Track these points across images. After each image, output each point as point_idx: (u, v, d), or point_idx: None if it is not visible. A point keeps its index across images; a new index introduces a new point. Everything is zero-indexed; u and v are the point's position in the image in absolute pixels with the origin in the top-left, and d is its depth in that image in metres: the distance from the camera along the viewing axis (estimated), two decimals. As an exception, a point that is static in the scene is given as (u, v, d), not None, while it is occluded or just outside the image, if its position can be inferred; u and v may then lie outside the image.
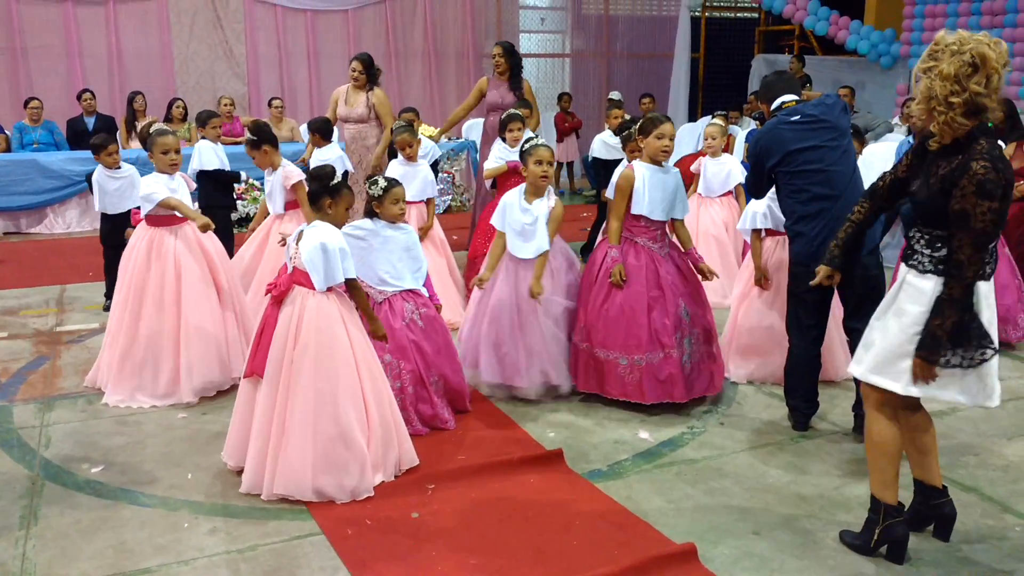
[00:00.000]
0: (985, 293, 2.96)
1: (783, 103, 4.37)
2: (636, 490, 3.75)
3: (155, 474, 3.90)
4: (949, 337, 2.89)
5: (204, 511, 3.57)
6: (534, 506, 3.59)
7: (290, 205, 5.72)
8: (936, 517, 3.34)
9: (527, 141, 4.84)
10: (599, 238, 6.37)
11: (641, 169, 4.55)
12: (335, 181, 3.73)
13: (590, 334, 4.58)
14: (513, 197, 4.68)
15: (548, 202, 4.65)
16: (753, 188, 4.47)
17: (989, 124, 2.95)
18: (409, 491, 3.70)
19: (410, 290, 4.31)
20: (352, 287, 3.77)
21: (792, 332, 4.32)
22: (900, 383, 3.00)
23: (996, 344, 2.97)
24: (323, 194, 3.73)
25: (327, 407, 3.59)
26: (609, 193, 4.74)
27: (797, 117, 4.18)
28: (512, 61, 7.36)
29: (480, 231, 6.26)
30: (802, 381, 4.34)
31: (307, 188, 4.05)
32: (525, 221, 4.61)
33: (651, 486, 3.79)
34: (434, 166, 7.24)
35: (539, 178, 4.62)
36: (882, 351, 3.04)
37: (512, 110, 6.48)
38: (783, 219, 4.54)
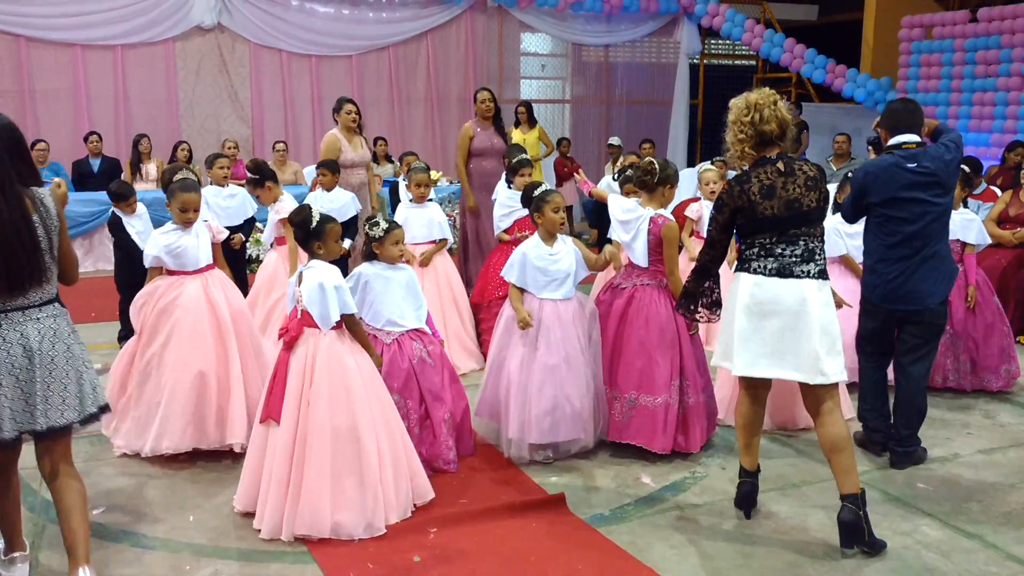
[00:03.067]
0: (747, 284, 3.61)
1: (904, 143, 4.29)
2: (639, 535, 3.75)
3: (157, 516, 3.90)
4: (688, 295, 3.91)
5: (206, 553, 3.56)
6: (537, 551, 3.58)
7: (279, 240, 5.80)
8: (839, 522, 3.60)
9: (534, 187, 4.68)
10: (602, 281, 6.32)
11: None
12: (314, 223, 3.78)
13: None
14: (531, 249, 4.51)
15: (565, 244, 4.58)
16: (848, 214, 4.59)
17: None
18: (411, 534, 3.70)
19: (416, 329, 4.34)
20: (349, 322, 3.82)
21: (859, 356, 4.64)
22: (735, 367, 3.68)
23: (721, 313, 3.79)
24: (309, 239, 3.80)
25: (343, 444, 3.63)
26: (621, 236, 4.65)
27: (914, 165, 4.22)
28: (498, 104, 7.48)
29: (492, 276, 6.04)
30: (874, 404, 4.59)
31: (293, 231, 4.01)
32: (556, 268, 4.48)
33: (654, 531, 3.79)
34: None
35: (558, 225, 4.53)
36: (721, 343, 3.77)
37: (522, 156, 6.46)
38: None
